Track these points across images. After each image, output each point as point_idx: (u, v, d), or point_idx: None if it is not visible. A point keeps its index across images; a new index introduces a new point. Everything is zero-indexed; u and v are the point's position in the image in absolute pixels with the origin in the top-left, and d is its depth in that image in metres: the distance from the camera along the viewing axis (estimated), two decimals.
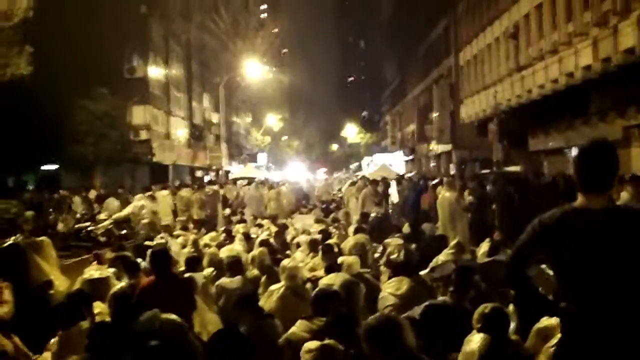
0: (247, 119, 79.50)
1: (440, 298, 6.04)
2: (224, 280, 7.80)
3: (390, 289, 6.80)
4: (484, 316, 4.77)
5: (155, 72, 39.41)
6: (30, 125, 28.72)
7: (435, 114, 44.33)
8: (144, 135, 36.87)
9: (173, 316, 5.34)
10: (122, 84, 34.45)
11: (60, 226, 19.50)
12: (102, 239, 19.82)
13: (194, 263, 8.55)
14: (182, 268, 9.80)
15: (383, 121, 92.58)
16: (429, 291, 7.03)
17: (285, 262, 7.64)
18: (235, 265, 8.06)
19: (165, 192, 22.39)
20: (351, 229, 15.04)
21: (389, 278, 10.24)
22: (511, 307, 6.04)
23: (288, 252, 11.94)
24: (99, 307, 6.73)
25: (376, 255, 11.99)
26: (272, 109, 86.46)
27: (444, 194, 13.45)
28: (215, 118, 55.12)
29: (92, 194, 24.22)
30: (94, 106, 30.18)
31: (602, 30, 19.44)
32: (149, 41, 38.25)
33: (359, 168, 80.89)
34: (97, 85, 30.48)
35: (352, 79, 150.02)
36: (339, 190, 37.20)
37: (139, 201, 19.85)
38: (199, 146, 49.78)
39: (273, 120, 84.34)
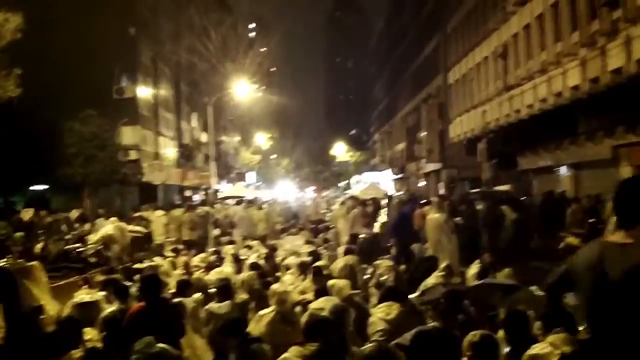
0: (236, 138, 79.51)
1: (430, 324, 6.01)
2: (213, 306, 7.75)
3: (380, 314, 6.77)
4: (473, 345, 4.76)
5: (144, 92, 39.44)
6: (19, 146, 28.66)
7: (424, 133, 44.50)
8: (133, 155, 36.81)
9: (168, 346, 5.31)
10: (111, 105, 34.44)
11: (50, 247, 19.29)
12: (92, 259, 19.71)
13: (184, 287, 8.50)
14: (172, 290, 9.80)
15: (372, 140, 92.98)
16: (419, 316, 7.00)
17: (275, 287, 7.62)
18: (224, 290, 8.01)
19: (159, 213, 23.02)
20: (341, 250, 15.05)
21: (379, 300, 10.27)
22: (501, 332, 6.03)
23: (278, 274, 11.91)
24: (89, 333, 6.67)
25: (366, 276, 11.97)
26: (261, 128, 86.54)
27: (433, 215, 13.44)
28: (204, 138, 55.07)
29: (74, 214, 24.12)
30: (82, 128, 30.09)
31: (590, 50, 19.64)
32: (138, 62, 38.35)
33: (348, 186, 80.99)
34: (86, 107, 30.40)
35: (340, 97, 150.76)
36: (328, 209, 37.21)
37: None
38: (188, 166, 49.73)
39: (262, 139, 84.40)
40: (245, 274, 9.52)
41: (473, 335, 4.81)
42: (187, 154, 50.77)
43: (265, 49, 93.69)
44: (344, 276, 12.13)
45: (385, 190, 48.92)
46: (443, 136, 42.18)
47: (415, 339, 5.82)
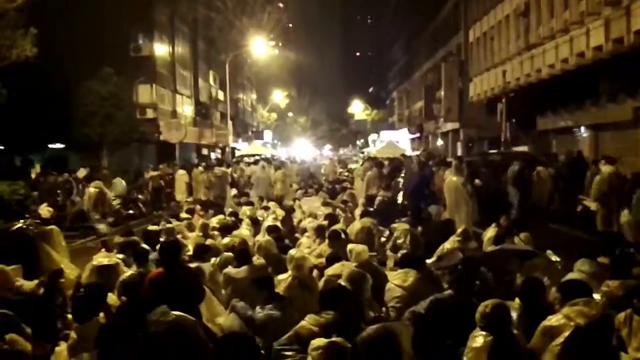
0: (253, 95, 79.29)
1: (446, 292, 6.02)
2: (231, 270, 7.80)
3: (397, 280, 6.80)
4: (485, 315, 4.79)
5: (161, 50, 39.30)
6: (37, 105, 28.74)
7: (442, 92, 44.06)
8: (150, 114, 36.86)
9: (183, 314, 5.38)
10: (128, 63, 34.39)
11: (68, 208, 19.46)
12: (110, 219, 19.93)
13: (202, 251, 8.58)
14: (190, 253, 9.91)
15: (390, 98, 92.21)
16: (435, 283, 7.02)
17: (293, 252, 7.65)
18: (242, 254, 8.06)
19: (182, 172, 24.42)
20: (357, 212, 15.08)
21: (395, 264, 10.34)
22: (517, 300, 6.04)
23: (296, 235, 11.97)
24: (110, 298, 6.77)
25: (383, 239, 12.00)
26: (278, 86, 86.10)
27: (451, 178, 13.38)
28: (221, 96, 55.00)
29: (82, 172, 24.43)
30: (100, 87, 30.09)
31: (614, 10, 19.19)
32: (155, 20, 38.09)
33: (366, 145, 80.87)
34: (103, 65, 30.35)
35: (358, 54, 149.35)
36: (345, 169, 37.20)
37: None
38: (206, 124, 49.76)
39: (279, 97, 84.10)
40: (262, 238, 9.55)
41: (485, 307, 4.84)
42: (204, 112, 50.76)
43: (281, 4, 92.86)
44: (361, 239, 12.19)
45: (404, 149, 48.87)
46: (462, 95, 41.75)
47: (431, 307, 5.87)
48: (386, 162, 28.46)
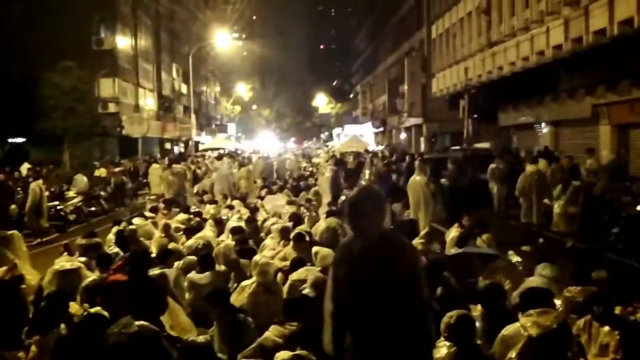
0: (217, 88, 78.76)
1: None
2: (194, 276, 7.79)
3: None
4: (449, 326, 4.85)
5: (124, 43, 38.76)
6: None
7: (406, 87, 44.29)
8: (112, 108, 36.38)
9: (146, 324, 5.35)
10: (90, 57, 33.81)
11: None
12: (72, 216, 19.64)
13: (165, 256, 8.51)
14: (153, 254, 9.86)
15: (354, 91, 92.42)
16: None
17: (257, 258, 7.66)
18: (205, 260, 8.04)
19: (156, 165, 24.48)
20: (322, 211, 15.10)
21: None
22: (479, 307, 6.15)
23: (261, 235, 11.94)
24: (72, 307, 6.69)
25: None
26: (242, 78, 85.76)
27: (415, 177, 13.52)
28: (184, 89, 54.50)
29: (24, 169, 24.19)
30: (61, 80, 29.56)
31: (573, 10, 19.50)
32: (117, 12, 37.54)
33: (330, 137, 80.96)
34: (65, 58, 29.84)
35: (322, 47, 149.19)
36: (310, 164, 37.24)
37: None
38: (169, 118, 49.29)
39: (243, 89, 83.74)
40: (222, 245, 9.50)
41: (449, 317, 4.90)
42: (167, 106, 50.25)
43: None
44: (326, 239, 12.23)
45: (367, 144, 49.03)
46: (425, 90, 42.02)
47: None
48: (350, 159, 28.68)
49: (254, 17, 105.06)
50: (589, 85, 21.05)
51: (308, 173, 29.97)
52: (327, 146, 64.25)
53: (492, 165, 18.81)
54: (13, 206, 18.75)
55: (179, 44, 54.14)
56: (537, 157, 17.01)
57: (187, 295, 7.87)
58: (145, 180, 26.69)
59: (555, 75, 23.09)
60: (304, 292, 6.53)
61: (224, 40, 52.22)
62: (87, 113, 31.22)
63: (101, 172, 26.13)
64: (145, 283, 6.48)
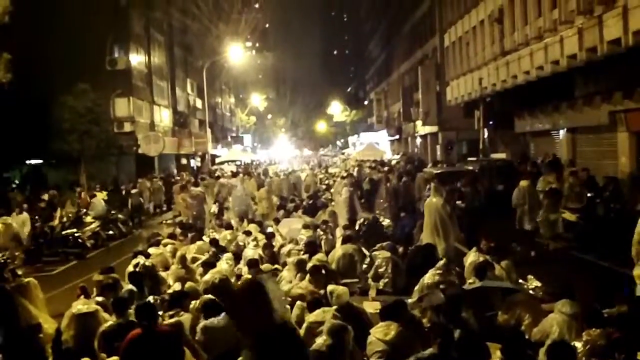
0: (231, 99, 79.01)
1: (427, 351, 5.97)
2: (209, 322, 7.68)
3: (379, 334, 6.75)
4: None
5: (137, 62, 38.93)
6: (13, 123, 28.40)
7: (420, 95, 44.12)
8: (128, 127, 36.54)
9: None
10: (105, 77, 34.10)
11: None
12: (90, 242, 19.69)
13: (180, 298, 8.43)
14: (171, 287, 9.86)
15: (369, 99, 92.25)
16: (417, 332, 6.95)
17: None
18: (214, 306, 7.92)
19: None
20: (339, 231, 15.07)
21: (377, 293, 10.39)
22: (498, 353, 6.05)
23: (277, 266, 11.89)
24: None
25: (364, 266, 11.99)
26: (256, 89, 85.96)
27: (431, 199, 13.36)
28: (199, 103, 54.65)
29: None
30: (76, 103, 29.76)
31: (587, 19, 19.28)
32: (130, 31, 37.75)
33: (346, 145, 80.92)
34: (79, 80, 30.04)
35: (335, 52, 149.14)
36: (326, 175, 37.18)
37: None
38: (184, 133, 49.43)
39: (258, 100, 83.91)
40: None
41: None
42: (182, 121, 50.42)
43: (257, 5, 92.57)
44: (343, 265, 12.25)
45: (384, 152, 48.96)
46: (440, 98, 41.83)
47: None
48: (367, 170, 28.62)
49: (267, 26, 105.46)
50: (606, 92, 20.82)
51: (325, 187, 29.90)
52: (343, 153, 64.25)
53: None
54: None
55: (193, 58, 54.30)
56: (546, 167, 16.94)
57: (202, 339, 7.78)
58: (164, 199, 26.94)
59: (571, 82, 22.83)
60: (317, 342, 6.45)
61: (238, 53, 52.30)
62: (103, 134, 31.41)
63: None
64: (159, 334, 6.40)
